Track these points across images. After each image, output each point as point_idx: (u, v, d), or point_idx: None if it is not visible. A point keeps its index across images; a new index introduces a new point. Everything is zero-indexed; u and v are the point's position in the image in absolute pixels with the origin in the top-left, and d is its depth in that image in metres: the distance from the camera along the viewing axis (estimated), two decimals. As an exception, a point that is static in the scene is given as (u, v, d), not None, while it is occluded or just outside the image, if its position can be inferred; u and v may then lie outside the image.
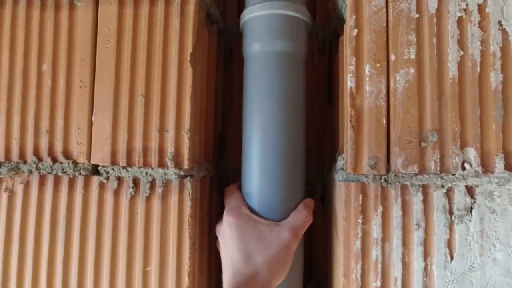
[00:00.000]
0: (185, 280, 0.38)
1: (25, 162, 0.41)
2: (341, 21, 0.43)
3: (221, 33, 0.52)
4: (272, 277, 0.34)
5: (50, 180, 0.41)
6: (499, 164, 0.34)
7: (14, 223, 0.41)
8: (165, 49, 0.39)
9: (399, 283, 0.34)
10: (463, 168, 0.34)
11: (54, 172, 0.41)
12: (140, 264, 0.39)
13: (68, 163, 0.40)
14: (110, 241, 0.39)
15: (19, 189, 0.41)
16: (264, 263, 0.35)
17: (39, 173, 0.41)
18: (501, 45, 0.34)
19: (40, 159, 0.41)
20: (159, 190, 0.39)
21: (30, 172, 0.41)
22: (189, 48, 0.39)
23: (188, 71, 0.39)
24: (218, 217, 0.42)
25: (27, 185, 0.41)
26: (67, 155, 0.41)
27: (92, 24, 0.41)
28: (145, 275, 0.38)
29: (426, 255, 0.34)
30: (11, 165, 0.41)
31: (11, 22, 0.42)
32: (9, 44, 0.42)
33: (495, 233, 0.34)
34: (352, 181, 0.36)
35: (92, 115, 0.40)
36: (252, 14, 0.40)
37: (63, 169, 0.40)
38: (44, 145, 0.41)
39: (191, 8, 0.39)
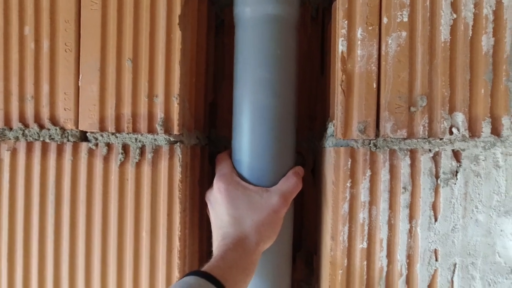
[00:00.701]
0: (176, 244, 0.39)
1: (10, 128, 0.40)
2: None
3: (213, 3, 0.50)
4: (260, 240, 0.35)
5: (37, 146, 0.40)
6: (485, 128, 0.34)
7: (2, 190, 0.40)
8: (153, 11, 0.38)
9: (384, 244, 0.36)
10: (451, 133, 0.35)
11: (41, 139, 0.40)
12: (131, 229, 0.39)
13: (56, 129, 0.40)
14: (100, 207, 0.39)
15: (5, 156, 0.40)
16: (253, 227, 0.35)
17: (26, 140, 0.40)
18: (494, 8, 0.34)
19: (26, 125, 0.40)
20: (149, 156, 0.39)
21: (17, 139, 0.40)
22: (177, 10, 0.38)
23: (177, 34, 0.38)
24: (210, 187, 0.42)
25: (14, 152, 0.40)
26: (54, 121, 0.40)
27: (75, -16, 0.39)
28: (137, 240, 0.39)
29: (411, 217, 0.35)
30: (-3, 131, 0.40)
31: (-11, -19, 0.40)
32: (-13, 5, 0.40)
33: (478, 195, 0.35)
34: (341, 146, 0.36)
35: (78, 79, 0.39)
36: (242, -24, 0.39)
37: (50, 136, 0.40)
38: (29, 111, 0.40)
39: (179, -33, 0.38)
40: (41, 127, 0.40)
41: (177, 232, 0.38)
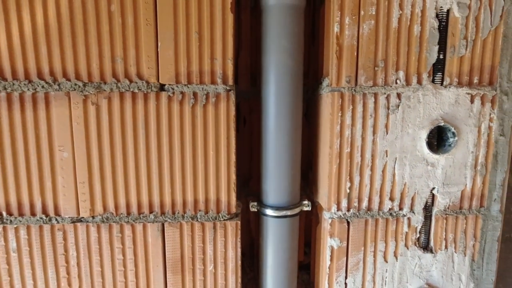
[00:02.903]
0: (233, 158, 0.59)
1: (105, 83, 0.55)
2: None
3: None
4: None
5: (128, 95, 0.56)
6: (414, 80, 0.60)
7: (103, 129, 0.56)
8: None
9: (359, 149, 0.61)
10: (396, 83, 0.60)
11: (131, 90, 0.56)
12: (202, 150, 0.58)
13: (142, 82, 0.56)
14: (179, 137, 0.58)
15: (103, 103, 0.56)
16: None
17: (119, 90, 0.56)
18: (421, 8, 0.58)
19: (118, 80, 0.55)
20: (212, 100, 0.57)
21: (111, 90, 0.55)
22: (229, -1, 0.55)
23: (229, 16, 0.56)
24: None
25: (109, 100, 0.56)
26: (140, 76, 0.56)
27: (152, -26, 0.53)
28: (206, 158, 0.59)
29: (374, 132, 0.61)
30: (94, 84, 0.55)
31: (81, -33, 0.52)
32: (80, -14, 0.52)
33: (409, 118, 0.61)
34: (335, 91, 0.59)
35: (157, 46, 0.55)
36: (271, -25, 0.57)
37: (138, 87, 0.56)
38: (120, 69, 0.55)
39: (230, -33, 0.54)
40: (130, 81, 0.56)
41: (233, 150, 0.59)
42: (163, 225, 0.60)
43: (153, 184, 0.58)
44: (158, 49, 0.55)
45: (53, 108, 0.55)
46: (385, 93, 0.60)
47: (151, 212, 0.59)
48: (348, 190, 0.61)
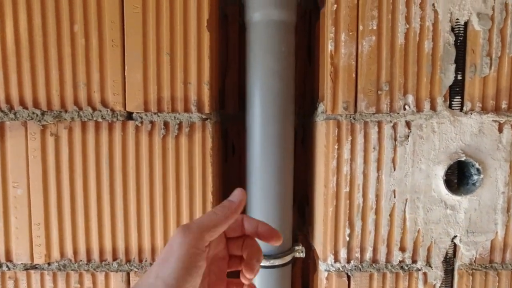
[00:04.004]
0: (209, 196, 0.51)
1: (66, 111, 0.49)
2: (321, -5, 0.55)
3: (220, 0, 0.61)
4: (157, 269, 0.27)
5: (91, 125, 0.49)
6: (427, 105, 0.50)
7: (62, 162, 0.49)
8: (185, 15, 0.48)
9: (360, 188, 0.51)
10: (404, 109, 0.50)
11: (94, 119, 0.49)
12: (174, 187, 0.50)
13: (107, 110, 0.49)
14: (148, 172, 0.50)
15: (63, 133, 0.49)
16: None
17: (81, 120, 0.49)
18: (433, 22, 0.49)
19: (80, 108, 0.49)
20: (186, 130, 0.50)
21: (72, 119, 0.49)
22: (205, 15, 0.48)
23: (206, 34, 0.49)
24: (221, 157, 0.54)
25: (70, 130, 0.49)
26: (104, 104, 0.49)
27: (118, -9, 0.48)
28: (178, 195, 0.51)
29: (378, 168, 0.51)
30: (54, 113, 0.49)
31: (41, -14, 0.47)
32: (39, 5, 0.47)
33: (422, 151, 0.51)
34: (330, 120, 0.50)
35: (124, 70, 0.49)
36: (254, -12, 0.50)
37: (102, 116, 0.49)
38: (83, 96, 0.49)
39: (206, -19, 0.48)
40: (94, 109, 0.49)
41: (210, 188, 0.51)
42: (128, 274, 0.51)
43: (117, 227, 0.50)
44: (125, 73, 0.49)
45: (7, 140, 0.49)
46: (391, 122, 0.50)
47: (114, 259, 0.51)
48: (347, 238, 0.51)
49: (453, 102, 0.50)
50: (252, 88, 0.53)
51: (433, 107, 0.50)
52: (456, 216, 0.52)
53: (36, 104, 0.49)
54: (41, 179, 0.49)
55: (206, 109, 0.49)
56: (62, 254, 0.50)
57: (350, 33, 0.49)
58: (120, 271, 0.51)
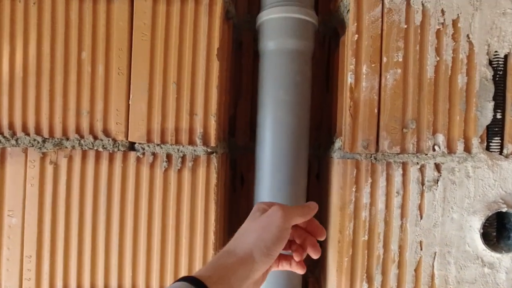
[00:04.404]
0: (211, 237, 0.46)
1: (67, 139, 0.47)
2: (342, 22, 0.51)
3: (234, 27, 0.58)
4: (254, 248, 0.32)
5: (91, 154, 0.47)
6: (460, 146, 0.44)
7: (59, 191, 0.47)
8: (195, 44, 0.46)
9: (381, 237, 0.45)
10: (434, 150, 0.44)
11: (95, 148, 0.47)
12: (173, 225, 0.46)
13: (108, 140, 0.47)
14: (147, 207, 0.47)
15: (63, 162, 0.47)
16: (252, 238, 0.33)
17: (82, 148, 0.47)
18: (467, 54, 0.43)
19: (81, 136, 0.47)
20: (189, 164, 0.46)
21: (73, 147, 0.47)
22: (216, 44, 0.46)
23: (215, 64, 0.46)
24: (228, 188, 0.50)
25: (70, 159, 0.47)
26: (106, 133, 0.47)
27: (128, 18, 0.46)
28: (178, 234, 0.46)
29: (402, 215, 0.45)
30: (55, 141, 0.47)
31: (51, 12, 0.46)
32: (50, 32, 0.46)
33: (454, 199, 0.44)
34: (348, 159, 0.45)
35: (129, 98, 0.46)
36: (269, 16, 0.47)
37: (103, 145, 0.47)
38: (85, 124, 0.47)
39: (218, 8, 0.45)
40: (95, 138, 0.47)
41: (212, 228, 0.46)
42: (120, 318, 0.47)
43: (111, 264, 0.47)
44: (130, 102, 0.46)
45: (7, 166, 0.47)
46: (417, 163, 0.44)
47: (106, 300, 0.47)
48: (365, 294, 0.45)
49: (491, 144, 0.44)
50: (263, 119, 0.49)
51: (467, 149, 0.44)
52: (496, 276, 0.44)
53: (38, 131, 0.47)
54: (36, 209, 0.47)
55: (212, 142, 0.46)
56: (52, 290, 0.47)
57: (373, 65, 0.44)
58: (112, 314, 0.47)
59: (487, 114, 0.44)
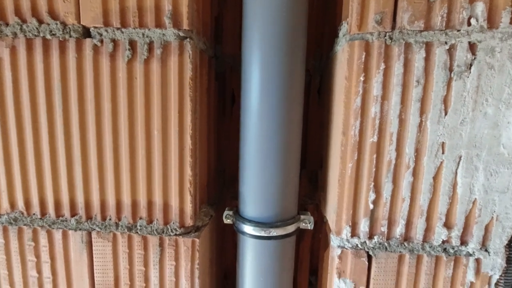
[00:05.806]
0: (188, 142, 0.39)
1: (7, 24, 0.38)
2: None
3: None
4: None
5: (38, 43, 0.38)
6: (505, 18, 0.33)
7: (5, 90, 0.39)
8: None
9: (394, 138, 0.36)
10: (469, 24, 0.34)
11: (41, 35, 0.38)
12: (142, 128, 0.39)
13: (56, 24, 0.37)
14: (110, 106, 0.39)
15: (5, 53, 0.39)
16: None
17: (25, 36, 0.38)
18: None
19: (23, 20, 0.38)
20: (157, 52, 0.37)
21: (15, 35, 0.38)
22: None
23: None
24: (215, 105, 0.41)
25: (13, 50, 0.38)
26: (53, 15, 0.38)
27: None
28: (148, 139, 0.39)
29: (422, 111, 0.36)
30: (-7, 27, 0.38)
31: None
32: None
33: (490, 88, 0.35)
34: (355, 40, 0.36)
35: (77, -32, 0.36)
36: None
37: (51, 31, 0.38)
38: (25, 2, 0.37)
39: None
40: (40, 21, 0.38)
41: (188, 130, 0.38)
42: (89, 234, 0.42)
43: (75, 175, 0.40)
44: (78, -27, 0.36)
45: None
46: (446, 43, 0.35)
47: (73, 215, 0.41)
48: (371, 205, 0.38)
49: (546, 15, 0.34)
50: (249, 14, 0.39)
51: (514, 22, 0.34)
52: (533, 185, 0.36)
53: (-29, 16, 0.38)
54: (-18, 112, 0.40)
55: (185, 23, 0.36)
56: (12, 204, 0.41)
57: None
58: (80, 229, 0.41)
59: (546, -28, 0.33)
